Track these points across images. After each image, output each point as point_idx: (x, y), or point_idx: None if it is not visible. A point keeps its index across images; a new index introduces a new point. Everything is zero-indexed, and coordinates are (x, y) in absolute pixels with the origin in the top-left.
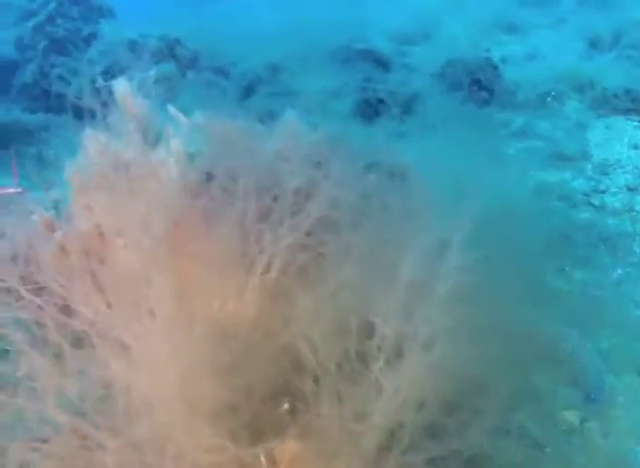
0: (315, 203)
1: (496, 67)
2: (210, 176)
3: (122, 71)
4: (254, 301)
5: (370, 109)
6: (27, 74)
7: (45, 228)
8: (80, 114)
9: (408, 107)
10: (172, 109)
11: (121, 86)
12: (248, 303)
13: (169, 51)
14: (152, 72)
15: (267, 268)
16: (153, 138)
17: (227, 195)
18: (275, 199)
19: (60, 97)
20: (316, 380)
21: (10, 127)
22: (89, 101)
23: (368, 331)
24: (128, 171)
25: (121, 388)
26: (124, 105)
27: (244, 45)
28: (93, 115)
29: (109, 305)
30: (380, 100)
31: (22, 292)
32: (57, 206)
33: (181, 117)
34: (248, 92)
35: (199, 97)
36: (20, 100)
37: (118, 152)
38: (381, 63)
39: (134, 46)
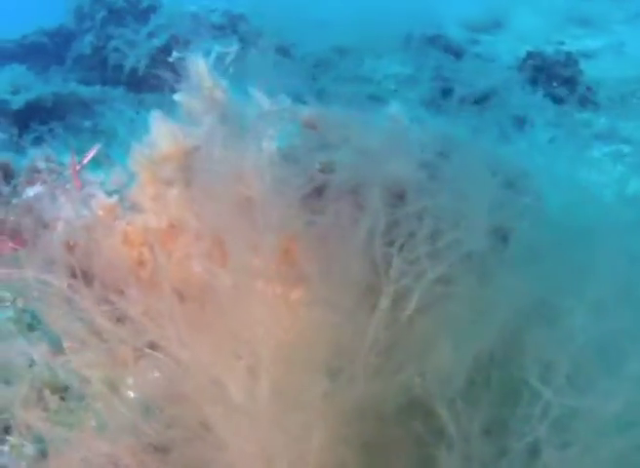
0: (466, 230)
1: (576, 63)
2: (315, 180)
3: (183, 46)
4: (379, 347)
5: (444, 100)
6: (85, 45)
7: (106, 215)
8: (138, 88)
9: (484, 100)
10: (256, 93)
11: (198, 62)
12: (371, 349)
13: (231, 26)
14: (234, 48)
15: (398, 304)
16: (236, 128)
17: (345, 208)
18: (402, 214)
19: (117, 69)
20: (452, 449)
21: (65, 98)
22: (149, 76)
23: (523, 392)
24: (207, 166)
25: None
26: (200, 86)
27: (310, 26)
28: (152, 90)
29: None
30: (455, 90)
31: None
32: (119, 191)
33: (268, 103)
34: (313, 75)
35: (263, 77)
36: (75, 71)
37: (193, 141)
38: (453, 51)
39: (195, 19)
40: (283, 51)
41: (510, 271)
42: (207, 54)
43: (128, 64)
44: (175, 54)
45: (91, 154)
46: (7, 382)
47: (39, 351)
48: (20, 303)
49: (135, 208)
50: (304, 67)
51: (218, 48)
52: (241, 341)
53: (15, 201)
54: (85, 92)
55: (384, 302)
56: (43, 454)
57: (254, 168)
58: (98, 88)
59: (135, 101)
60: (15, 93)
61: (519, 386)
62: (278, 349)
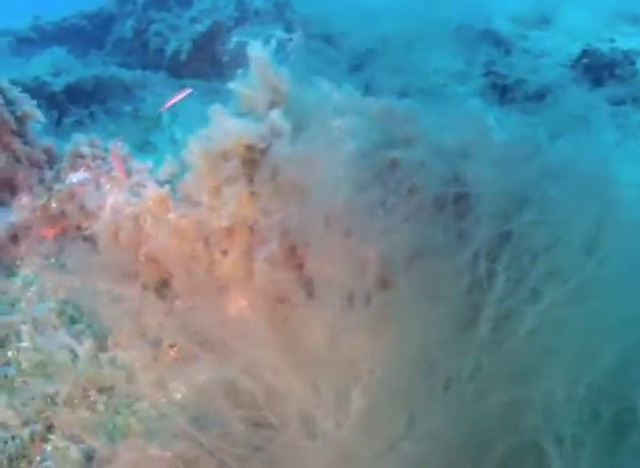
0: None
1: (633, 62)
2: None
3: (227, 31)
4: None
5: (496, 96)
6: (126, 28)
7: (157, 206)
8: (179, 73)
9: (539, 98)
10: (322, 81)
11: (257, 50)
12: (471, 376)
13: (277, 13)
14: (297, 35)
15: (502, 327)
16: (299, 121)
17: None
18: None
19: (158, 53)
20: None
21: (106, 82)
22: (191, 61)
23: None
24: (272, 162)
25: None
26: (260, 76)
27: (357, 15)
28: (193, 76)
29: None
30: (507, 87)
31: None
32: (171, 180)
33: (336, 95)
34: (358, 64)
35: (308, 65)
36: (115, 54)
37: (257, 137)
38: (502, 46)
39: (240, 5)
40: (328, 39)
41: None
42: (267, 40)
43: (169, 49)
44: (235, 38)
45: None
46: (49, 378)
47: (84, 346)
48: (61, 294)
49: (188, 200)
50: (349, 57)
51: (279, 34)
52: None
53: (57, 187)
54: (126, 75)
55: (487, 324)
56: (88, 458)
57: (326, 165)
58: (138, 72)
59: (176, 87)
60: (55, 75)
61: (627, 420)
62: (369, 377)
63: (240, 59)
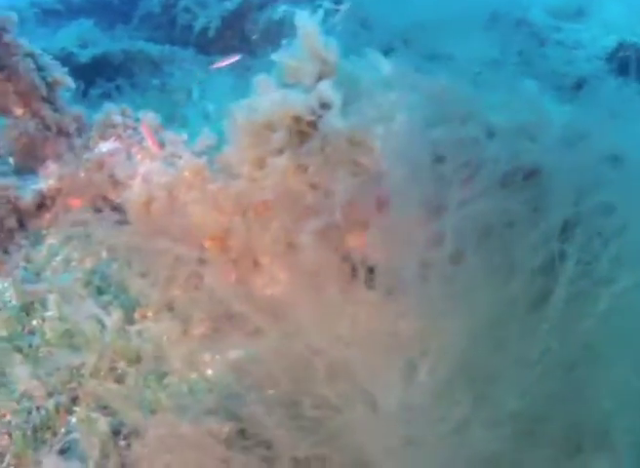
0: None
1: None
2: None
3: (257, 9)
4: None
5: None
6: (154, 3)
7: (194, 177)
8: (207, 50)
9: (574, 91)
10: (372, 54)
11: (305, 19)
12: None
13: None
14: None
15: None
16: (348, 93)
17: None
18: None
19: (186, 29)
20: None
21: (133, 56)
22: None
23: None
24: (322, 134)
25: None
26: (308, 46)
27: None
28: (222, 53)
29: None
30: (543, 77)
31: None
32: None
33: (388, 69)
34: (390, 49)
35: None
36: (141, 29)
37: (304, 108)
38: (536, 36)
39: None
40: (361, 22)
41: None
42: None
43: (198, 26)
44: (282, 8)
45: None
46: (74, 349)
47: (112, 317)
48: (88, 264)
49: (226, 172)
50: (382, 41)
51: (327, 4)
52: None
53: (86, 155)
54: (153, 50)
55: (557, 306)
56: (115, 431)
57: (378, 140)
58: (166, 47)
59: (204, 63)
60: (82, 47)
61: None
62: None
63: (271, 37)
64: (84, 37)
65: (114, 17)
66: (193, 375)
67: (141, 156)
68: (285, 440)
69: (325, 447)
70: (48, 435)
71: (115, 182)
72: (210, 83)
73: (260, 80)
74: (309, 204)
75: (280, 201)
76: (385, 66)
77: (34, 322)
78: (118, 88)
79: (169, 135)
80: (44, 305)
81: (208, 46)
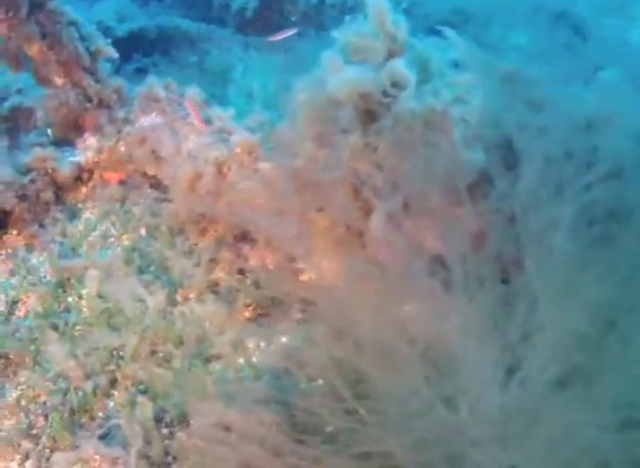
0: None
1: None
2: None
3: None
4: None
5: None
6: None
7: (246, 154)
8: (245, 30)
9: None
10: (448, 31)
11: None
12: None
13: None
14: None
15: None
16: (427, 74)
17: None
18: None
19: (223, 8)
20: None
21: (170, 32)
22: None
23: None
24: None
25: None
26: (378, 23)
27: None
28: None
29: None
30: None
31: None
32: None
33: (462, 49)
34: (430, 34)
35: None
36: (176, 7)
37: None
38: (579, 31)
39: None
40: (399, 6)
41: None
42: None
43: (235, 5)
44: None
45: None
46: (114, 329)
47: (156, 297)
48: (126, 241)
49: (282, 150)
50: (423, 27)
51: None
52: None
53: (127, 129)
54: (191, 27)
55: None
56: (157, 419)
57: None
58: (204, 25)
59: (242, 43)
60: (119, 21)
61: None
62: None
63: (311, 19)
64: (121, 12)
65: None
66: (239, 361)
67: (186, 132)
68: (348, 435)
69: (395, 443)
70: (85, 418)
71: (157, 158)
72: (250, 62)
73: (328, 56)
74: (376, 187)
75: (343, 182)
76: (460, 45)
77: (70, 299)
78: (155, 64)
79: (215, 110)
80: (81, 282)
81: (245, 26)
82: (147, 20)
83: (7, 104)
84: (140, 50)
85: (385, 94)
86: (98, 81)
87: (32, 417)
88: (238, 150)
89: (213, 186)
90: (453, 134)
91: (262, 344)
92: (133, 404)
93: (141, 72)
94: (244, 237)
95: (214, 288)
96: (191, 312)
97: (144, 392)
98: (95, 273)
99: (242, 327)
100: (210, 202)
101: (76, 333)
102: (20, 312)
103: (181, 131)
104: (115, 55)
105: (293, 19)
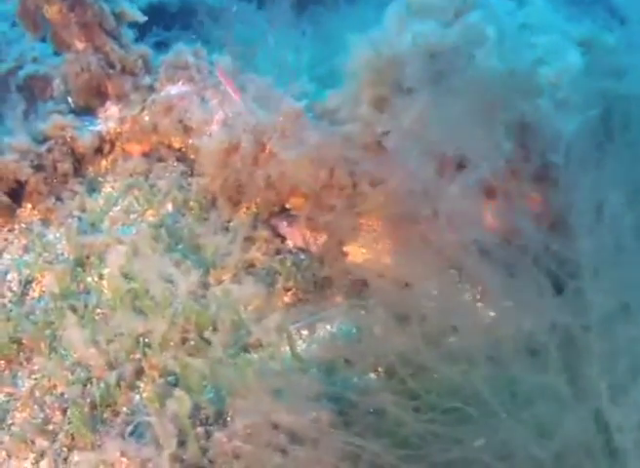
0: None
1: None
2: None
3: None
4: None
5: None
6: None
7: (290, 122)
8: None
9: None
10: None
11: None
12: None
13: None
14: None
15: None
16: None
17: None
18: None
19: None
20: None
21: (192, 5)
22: None
23: None
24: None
25: None
26: None
27: None
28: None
29: None
30: None
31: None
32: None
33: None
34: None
35: None
36: None
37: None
38: (616, 14)
39: None
40: None
41: None
42: None
43: None
44: None
45: None
46: (139, 313)
47: (189, 278)
48: (151, 217)
49: (330, 119)
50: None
51: None
52: None
53: (152, 98)
54: (214, 1)
55: None
56: (192, 415)
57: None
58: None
59: (266, 18)
60: None
61: None
62: None
63: None
64: None
65: None
66: (282, 351)
67: (218, 101)
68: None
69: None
70: (108, 414)
71: (185, 128)
72: (278, 37)
73: (393, 13)
74: (449, 156)
75: (406, 149)
76: (536, 7)
77: (90, 279)
78: (176, 38)
79: (251, 77)
80: (102, 260)
81: (270, 2)
82: None
83: (22, 73)
84: (160, 23)
85: (458, 51)
86: (121, 46)
87: (48, 411)
88: (281, 118)
89: (250, 158)
90: (539, 97)
91: (305, 332)
92: (162, 397)
93: (162, 46)
94: (282, 214)
95: (249, 269)
96: (227, 295)
97: (174, 384)
98: (119, 250)
99: (283, 312)
100: (245, 175)
101: (97, 317)
102: (35, 292)
103: (212, 100)
104: (142, 18)
105: None
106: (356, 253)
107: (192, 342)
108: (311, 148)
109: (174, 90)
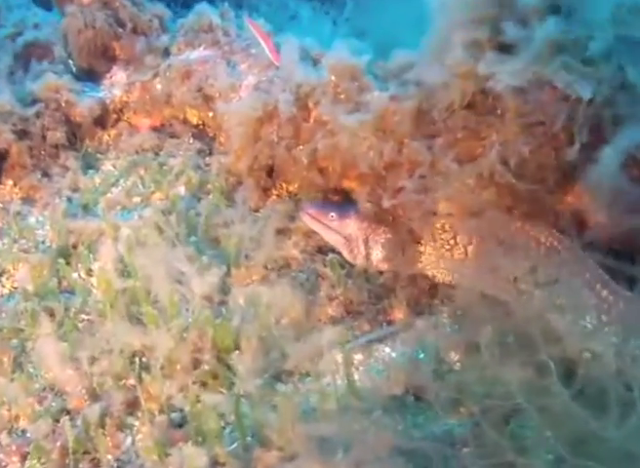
0: None
1: None
2: None
3: None
4: None
5: None
6: None
7: (344, 81)
8: None
9: None
10: None
11: None
12: None
13: None
14: None
15: None
16: None
17: None
18: None
19: None
20: None
21: None
22: None
23: None
24: None
25: None
26: None
27: None
28: None
29: None
30: None
31: None
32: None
33: None
34: None
35: None
36: None
37: None
38: None
39: None
40: None
41: None
42: None
43: None
44: None
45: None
46: (138, 322)
47: (205, 277)
48: (158, 200)
49: (399, 78)
50: None
51: None
52: None
53: (168, 62)
54: None
55: None
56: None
57: None
58: None
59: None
60: None
61: None
62: None
63: None
64: None
65: None
66: (327, 381)
67: (248, 65)
68: None
69: None
70: (84, 464)
71: (205, 99)
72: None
73: None
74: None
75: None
76: None
77: (75, 274)
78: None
79: (290, 38)
80: (92, 251)
81: None
82: None
83: (21, 39)
84: (177, 1)
85: None
86: (134, 4)
87: (1, 456)
88: (333, 77)
89: (290, 128)
90: None
91: (358, 357)
92: (163, 444)
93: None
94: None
95: (283, 270)
96: (253, 303)
97: (180, 425)
98: (117, 238)
99: (329, 328)
100: (283, 150)
101: (80, 326)
102: (4, 288)
103: (241, 64)
104: None
105: None
106: (429, 255)
107: (207, 366)
108: (375, 114)
109: (193, 55)
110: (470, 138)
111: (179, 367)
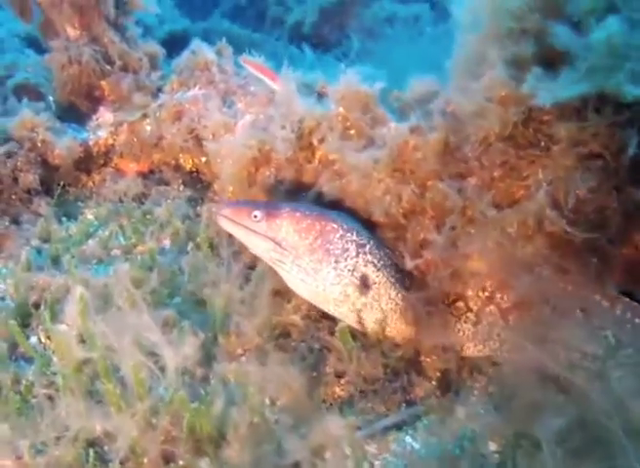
0: None
1: None
2: None
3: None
4: None
5: None
6: None
7: (353, 113)
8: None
9: None
10: None
11: None
12: None
13: None
14: None
15: None
16: None
17: None
18: None
19: (276, 22)
20: None
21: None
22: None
23: None
24: None
25: None
26: None
27: None
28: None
29: None
30: None
31: None
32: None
33: None
34: None
35: None
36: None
37: None
38: None
39: None
40: None
41: None
42: None
43: (291, 19)
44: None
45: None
46: (99, 401)
47: (178, 349)
48: (139, 254)
49: (419, 106)
50: None
51: None
52: None
53: (159, 102)
54: (242, 34)
55: None
56: None
57: None
58: (257, 34)
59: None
60: (160, 22)
61: None
62: None
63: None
64: (162, 14)
65: (194, 10)
66: None
67: (245, 103)
68: None
69: None
70: None
71: (198, 142)
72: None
73: None
74: None
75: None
76: None
77: (34, 338)
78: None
79: (288, 71)
80: (56, 312)
81: (301, 41)
82: (191, 25)
83: (11, 81)
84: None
85: None
86: (125, 40)
87: None
88: (341, 109)
89: (290, 168)
90: None
91: (372, 449)
92: None
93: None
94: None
95: (281, 340)
96: (243, 380)
97: None
98: (80, 296)
99: (335, 413)
100: (283, 196)
101: (32, 401)
102: None
103: (238, 103)
104: (156, 10)
105: (355, 35)
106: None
107: (182, 462)
108: (392, 151)
109: (187, 94)
110: (510, 177)
111: (145, 460)
